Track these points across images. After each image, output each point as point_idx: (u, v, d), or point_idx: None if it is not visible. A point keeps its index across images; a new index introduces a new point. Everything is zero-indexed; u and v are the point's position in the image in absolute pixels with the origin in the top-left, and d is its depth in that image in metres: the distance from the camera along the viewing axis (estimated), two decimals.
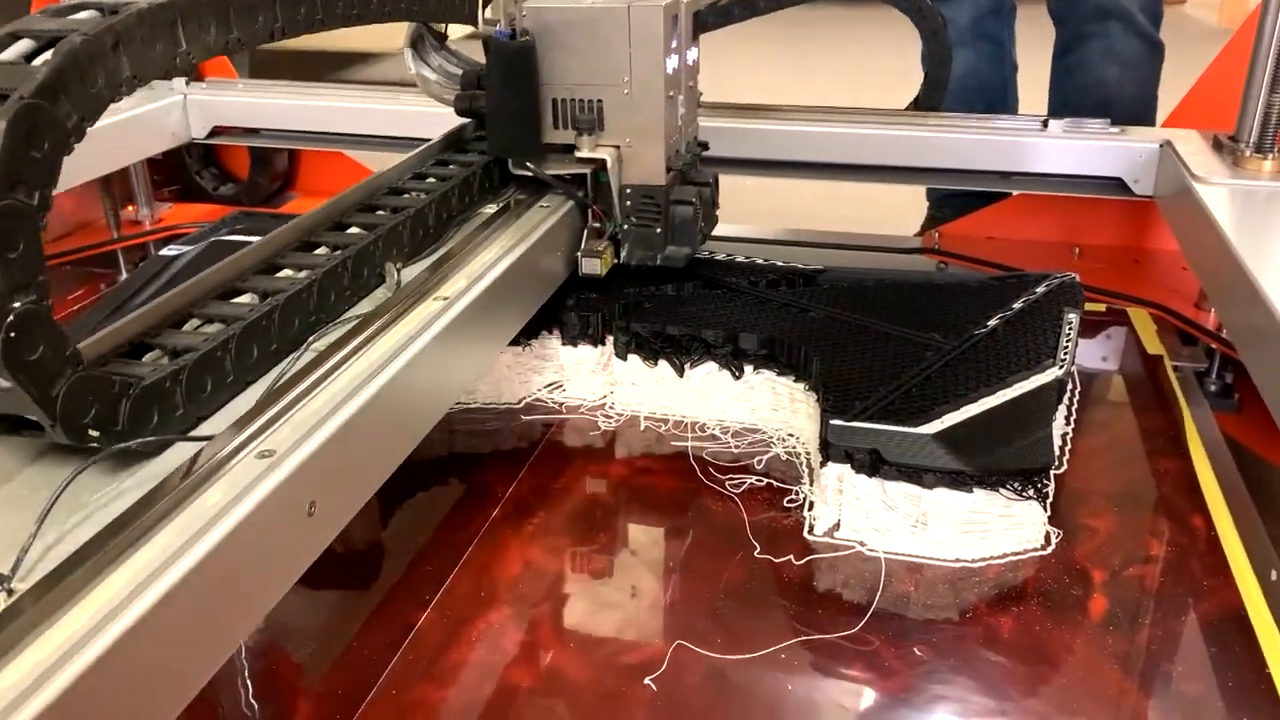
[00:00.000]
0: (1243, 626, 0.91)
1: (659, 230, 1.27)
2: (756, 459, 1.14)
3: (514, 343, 1.24)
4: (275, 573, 0.73)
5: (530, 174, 1.26)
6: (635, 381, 1.22)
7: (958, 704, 0.84)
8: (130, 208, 1.87)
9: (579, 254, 1.25)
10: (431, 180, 1.22)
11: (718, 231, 1.78)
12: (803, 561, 0.99)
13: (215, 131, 1.85)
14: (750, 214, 2.43)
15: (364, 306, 0.99)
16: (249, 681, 0.87)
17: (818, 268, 1.34)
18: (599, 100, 1.23)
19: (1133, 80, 1.85)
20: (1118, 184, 1.55)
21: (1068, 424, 1.18)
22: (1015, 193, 1.67)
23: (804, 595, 0.95)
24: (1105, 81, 1.85)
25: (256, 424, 0.77)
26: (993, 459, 0.97)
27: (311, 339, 0.92)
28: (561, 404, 1.26)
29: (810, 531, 1.02)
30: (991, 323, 1.17)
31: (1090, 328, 1.43)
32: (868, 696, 0.85)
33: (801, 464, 1.13)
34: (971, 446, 0.97)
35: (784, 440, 1.17)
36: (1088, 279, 1.32)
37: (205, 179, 1.98)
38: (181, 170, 1.97)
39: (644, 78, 1.21)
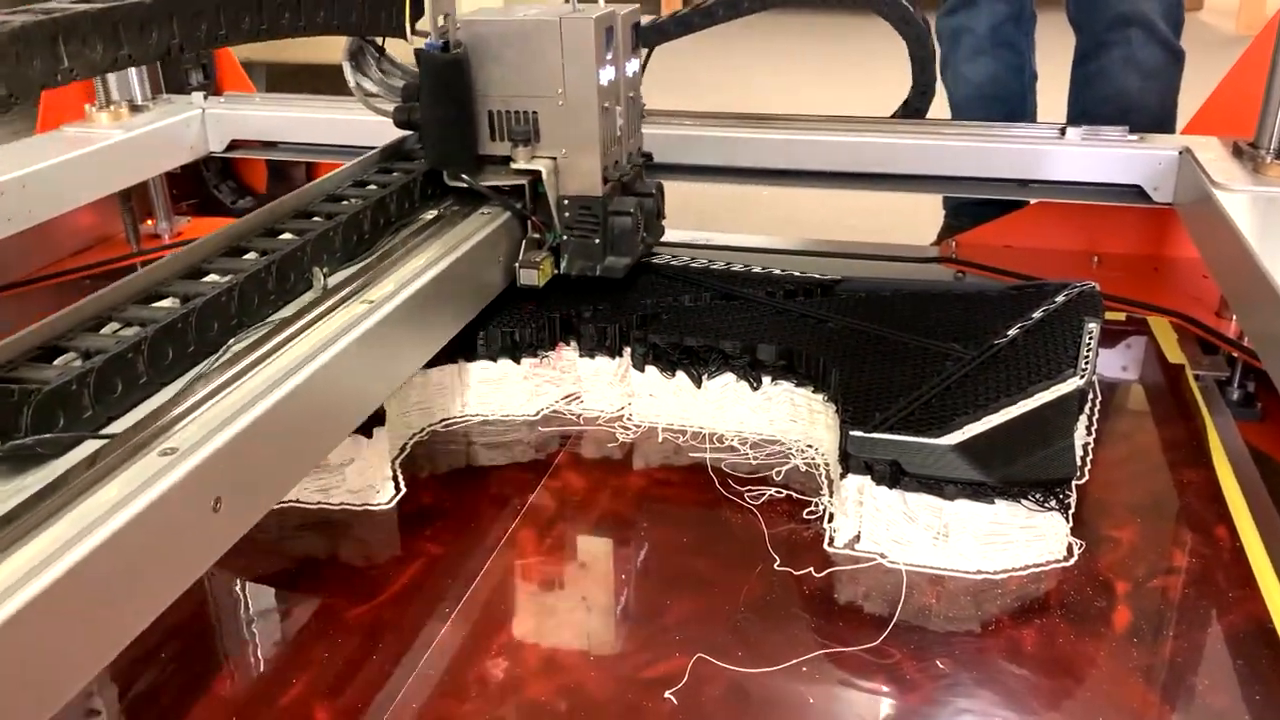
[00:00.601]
0: (1269, 639, 0.90)
1: (598, 241, 1.28)
2: (775, 470, 1.13)
3: (531, 355, 1.24)
4: (177, 566, 0.75)
5: (465, 185, 1.27)
6: (653, 393, 1.22)
7: (981, 717, 0.83)
8: (149, 221, 1.89)
9: (517, 265, 1.27)
10: (372, 188, 1.24)
11: (735, 242, 1.78)
12: (823, 574, 0.98)
13: (233, 145, 1.86)
14: (766, 224, 2.43)
15: (289, 310, 1.01)
16: (266, 696, 0.87)
17: (835, 278, 1.34)
18: (534, 112, 1.25)
19: (1154, 90, 1.83)
20: (1137, 191, 1.54)
21: (1089, 434, 1.17)
22: (1033, 201, 1.67)
23: (825, 608, 0.95)
24: (1126, 91, 1.83)
25: (161, 422, 0.79)
26: (1014, 470, 0.96)
27: (231, 341, 0.93)
28: (579, 416, 1.26)
29: (830, 544, 1.02)
30: (1011, 332, 1.16)
31: (1110, 337, 1.42)
32: (890, 709, 0.85)
33: (821, 475, 1.12)
34: (992, 457, 0.97)
35: (803, 451, 1.16)
36: (1107, 288, 1.31)
37: (224, 192, 1.99)
38: (200, 184, 1.98)
39: (577, 89, 1.23)
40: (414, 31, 1.24)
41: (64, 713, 0.85)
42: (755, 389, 1.18)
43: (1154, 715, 0.83)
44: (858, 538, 1.01)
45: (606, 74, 1.24)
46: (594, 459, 1.18)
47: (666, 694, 0.85)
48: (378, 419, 1.09)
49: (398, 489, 1.12)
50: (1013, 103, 1.98)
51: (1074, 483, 1.02)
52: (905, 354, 1.14)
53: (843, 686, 0.87)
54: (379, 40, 1.32)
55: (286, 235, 1.10)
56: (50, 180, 1.55)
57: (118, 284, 0.93)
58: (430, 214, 1.26)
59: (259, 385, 0.85)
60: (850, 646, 0.90)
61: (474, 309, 1.21)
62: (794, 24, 4.68)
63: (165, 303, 0.94)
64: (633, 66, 1.34)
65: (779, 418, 1.19)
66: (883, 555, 1.00)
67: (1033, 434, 1.00)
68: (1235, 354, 1.35)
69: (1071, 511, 0.99)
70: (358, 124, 1.83)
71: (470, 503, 1.12)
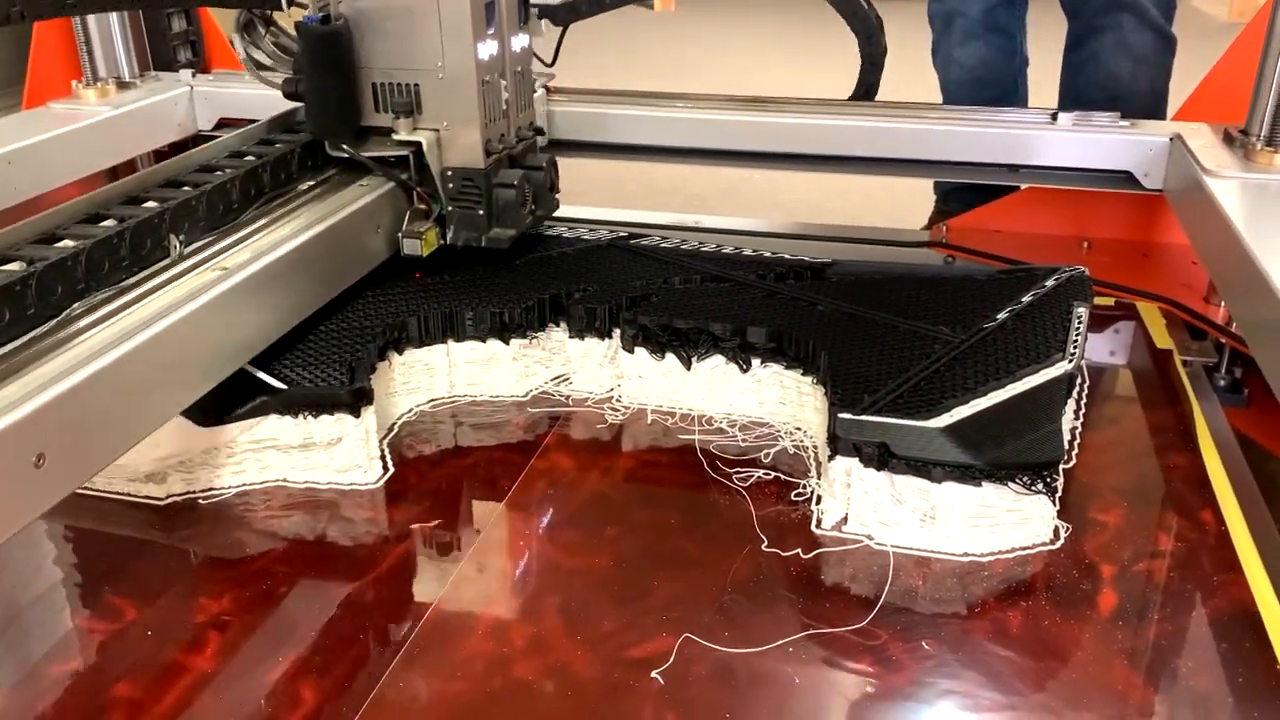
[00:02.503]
0: (1253, 622, 0.90)
1: (481, 212, 1.30)
2: (764, 452, 1.13)
3: (521, 335, 1.24)
4: None
5: (347, 155, 1.30)
6: (642, 374, 1.22)
7: (966, 698, 0.84)
8: None
9: (400, 234, 1.29)
10: (250, 159, 1.25)
11: (725, 224, 1.78)
12: (810, 555, 0.98)
13: (222, 123, 1.85)
14: (756, 207, 2.42)
15: (141, 277, 1.03)
16: (253, 674, 0.87)
17: (826, 261, 1.34)
18: (415, 84, 1.27)
19: (1145, 75, 1.84)
20: (1127, 177, 1.54)
21: (1077, 418, 1.17)
22: (1024, 186, 1.67)
23: (811, 589, 0.95)
24: (1117, 76, 1.83)
25: None
26: (1002, 453, 0.96)
27: (76, 306, 0.95)
28: (569, 397, 1.25)
29: (818, 525, 1.02)
30: (1000, 316, 1.16)
31: (1099, 322, 1.42)
32: (875, 690, 0.85)
33: (809, 458, 1.12)
34: (980, 440, 0.97)
35: (792, 434, 1.16)
36: (1096, 273, 1.31)
37: None
38: None
39: (456, 63, 1.25)
40: (293, 3, 1.27)
41: (47, 688, 0.85)
42: (745, 371, 1.18)
43: (1138, 697, 0.83)
44: (845, 519, 1.02)
45: (487, 49, 1.27)
46: (583, 440, 1.18)
47: (653, 674, 0.85)
48: (365, 398, 1.09)
49: (385, 468, 1.12)
50: (1003, 87, 1.98)
51: (1061, 467, 1.02)
52: (894, 337, 1.14)
53: (829, 667, 0.87)
54: (270, 12, 1.33)
55: (151, 204, 1.12)
56: (36, 157, 1.54)
57: None
58: (308, 185, 1.29)
59: (91, 348, 0.88)
60: (837, 627, 0.90)
61: (348, 277, 1.24)
62: (789, 12, 4.67)
63: (12, 266, 0.95)
64: (521, 42, 1.37)
65: (768, 400, 1.19)
66: (870, 537, 1.00)
67: (1021, 418, 1.00)
68: (1223, 340, 1.35)
69: (1058, 495, 0.99)
70: None
71: (458, 483, 1.11)
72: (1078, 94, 1.88)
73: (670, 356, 1.20)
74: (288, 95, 1.30)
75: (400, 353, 1.21)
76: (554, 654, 0.88)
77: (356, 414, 1.08)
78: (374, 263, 1.27)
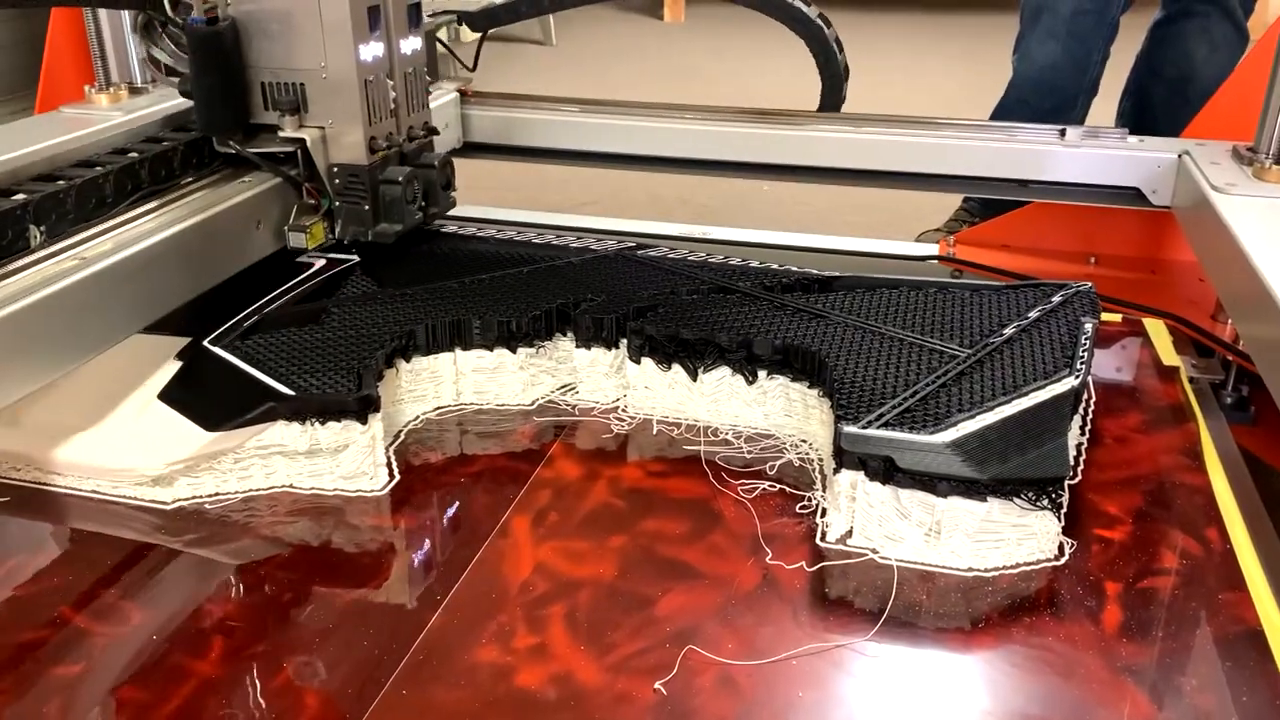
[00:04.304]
0: (1257, 641, 0.90)
1: (367, 208, 1.36)
2: (769, 464, 1.13)
3: (528, 344, 1.24)
4: None
5: (234, 152, 1.35)
6: (648, 385, 1.22)
7: (969, 714, 0.84)
8: None
9: (286, 228, 1.36)
10: (133, 155, 1.29)
11: (733, 236, 1.78)
12: (814, 568, 0.98)
13: None
14: (764, 219, 2.43)
15: None
16: (256, 680, 0.87)
17: (832, 273, 1.34)
18: (300, 84, 1.34)
19: (1217, 62, 1.92)
20: (1135, 194, 1.54)
21: (1083, 434, 1.17)
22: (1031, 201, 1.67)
23: (815, 602, 0.95)
24: (1192, 56, 1.93)
25: None
26: (1007, 468, 0.97)
27: None
28: (574, 406, 1.26)
29: (822, 538, 1.02)
30: (1007, 331, 1.16)
31: (1105, 338, 1.42)
32: (879, 705, 0.85)
33: (814, 470, 1.12)
34: (986, 455, 0.97)
35: (797, 446, 1.16)
36: (1103, 289, 1.31)
37: None
38: None
39: (339, 64, 1.32)
40: (175, 5, 1.34)
41: (52, 692, 0.85)
42: (751, 383, 1.18)
43: (1142, 715, 0.83)
44: (850, 533, 1.02)
45: (370, 50, 1.33)
46: (588, 450, 1.18)
47: (656, 685, 0.85)
48: (372, 405, 1.09)
49: (391, 476, 1.12)
50: (1064, 98, 1.98)
51: (1066, 483, 1.02)
52: (901, 351, 1.14)
53: (832, 681, 0.87)
54: (169, 13, 1.38)
55: (21, 196, 1.14)
56: None
57: None
58: (191, 181, 1.34)
59: None
60: (840, 641, 0.90)
61: (221, 272, 1.28)
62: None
63: None
64: (412, 44, 1.43)
65: (774, 412, 1.19)
66: (874, 551, 1.00)
67: (1027, 433, 1.00)
68: (1230, 358, 1.35)
69: (1063, 511, 0.99)
70: None
71: (463, 491, 1.12)
72: (1152, 68, 1.99)
73: (676, 367, 1.20)
74: (182, 94, 1.37)
75: (408, 360, 1.21)
76: (557, 663, 0.88)
77: (363, 421, 1.08)
78: (255, 257, 1.34)
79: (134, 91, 1.78)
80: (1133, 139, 1.55)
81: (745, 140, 1.68)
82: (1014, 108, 2.01)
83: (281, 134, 1.34)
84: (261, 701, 0.85)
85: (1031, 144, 1.57)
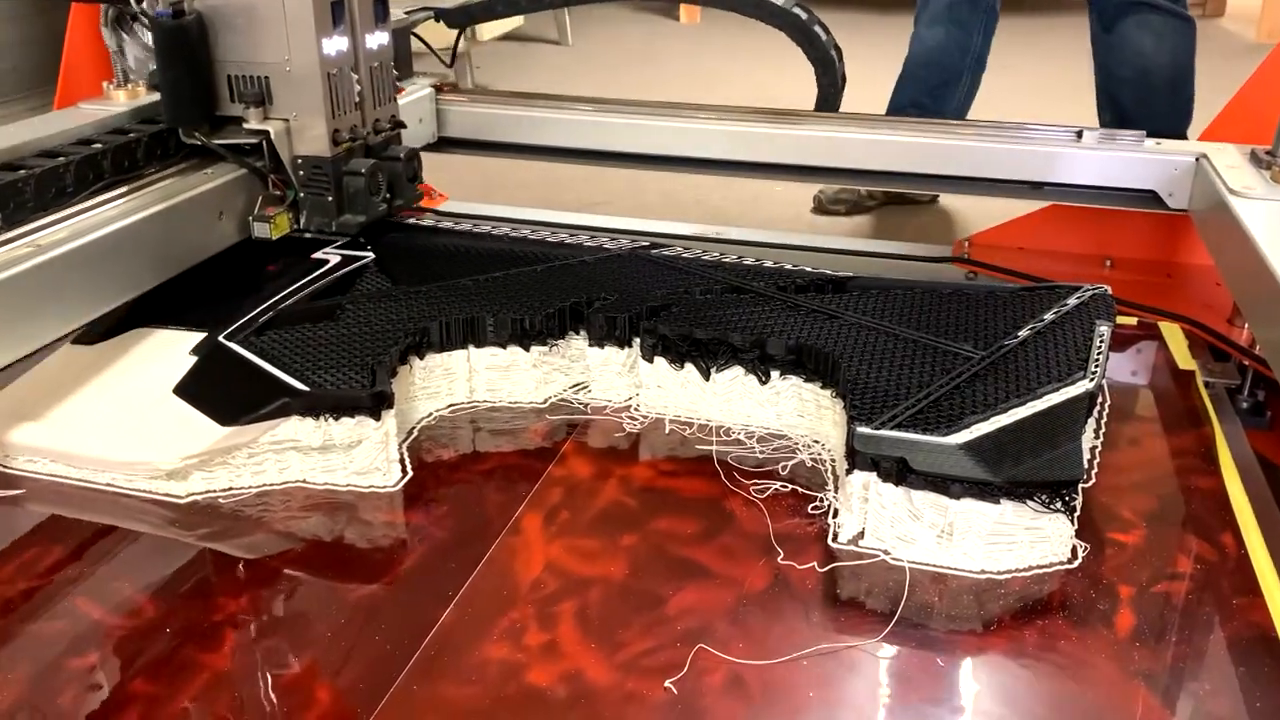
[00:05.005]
0: (1271, 646, 0.89)
1: (330, 199, 1.40)
2: (781, 465, 1.13)
3: (541, 342, 1.24)
4: None
5: (200, 143, 1.38)
6: (661, 384, 1.22)
7: (980, 716, 0.84)
8: None
9: (251, 218, 1.39)
10: (98, 146, 1.31)
11: (746, 236, 1.78)
12: (826, 569, 0.98)
13: None
14: (778, 219, 2.42)
15: None
16: (268, 674, 0.87)
17: (847, 274, 1.34)
18: (265, 77, 1.37)
19: (1167, 48, 2.02)
20: (1151, 197, 1.53)
21: (1097, 437, 1.17)
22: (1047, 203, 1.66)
23: (827, 603, 0.95)
24: (1142, 50, 2.03)
25: None
26: (1021, 471, 0.96)
27: None
28: (587, 405, 1.26)
29: (834, 539, 1.02)
30: (1022, 333, 1.16)
31: (1121, 341, 1.41)
32: (889, 706, 0.85)
33: (826, 471, 1.12)
34: (1000, 457, 0.97)
35: (809, 446, 1.16)
36: (1119, 292, 1.30)
37: None
38: None
39: (302, 57, 1.35)
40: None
41: (65, 683, 0.86)
42: (763, 383, 1.18)
43: (1154, 719, 0.83)
44: (862, 534, 1.01)
45: (334, 44, 1.36)
46: (600, 448, 1.18)
47: (666, 683, 0.85)
48: (386, 401, 1.09)
49: (404, 472, 1.12)
50: (949, 74, 2.26)
51: (1080, 486, 1.02)
52: (915, 352, 1.14)
53: (843, 681, 0.87)
54: (137, 5, 1.41)
55: None
56: None
57: None
58: (155, 171, 1.36)
59: None
60: (852, 642, 0.90)
61: (182, 262, 1.31)
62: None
63: None
64: (378, 39, 1.46)
65: (786, 412, 1.19)
66: (886, 552, 1.00)
67: (1041, 435, 0.99)
68: (1246, 362, 1.35)
69: (1077, 514, 0.99)
70: None
71: (476, 488, 1.12)
72: (1110, 72, 2.10)
73: (689, 367, 1.20)
74: (151, 88, 1.41)
75: (421, 357, 1.22)
76: (568, 661, 0.88)
77: (377, 417, 1.08)
78: (217, 247, 1.36)
79: (152, 88, 1.80)
80: (1149, 142, 1.54)
81: (758, 140, 1.68)
82: (908, 81, 2.30)
83: (246, 126, 1.37)
84: (273, 696, 0.85)
85: (1046, 145, 1.56)
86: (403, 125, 1.55)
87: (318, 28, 1.33)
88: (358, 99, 1.43)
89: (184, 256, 1.32)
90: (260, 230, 1.38)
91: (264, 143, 1.39)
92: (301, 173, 1.40)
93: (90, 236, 1.17)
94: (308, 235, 1.42)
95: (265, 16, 1.34)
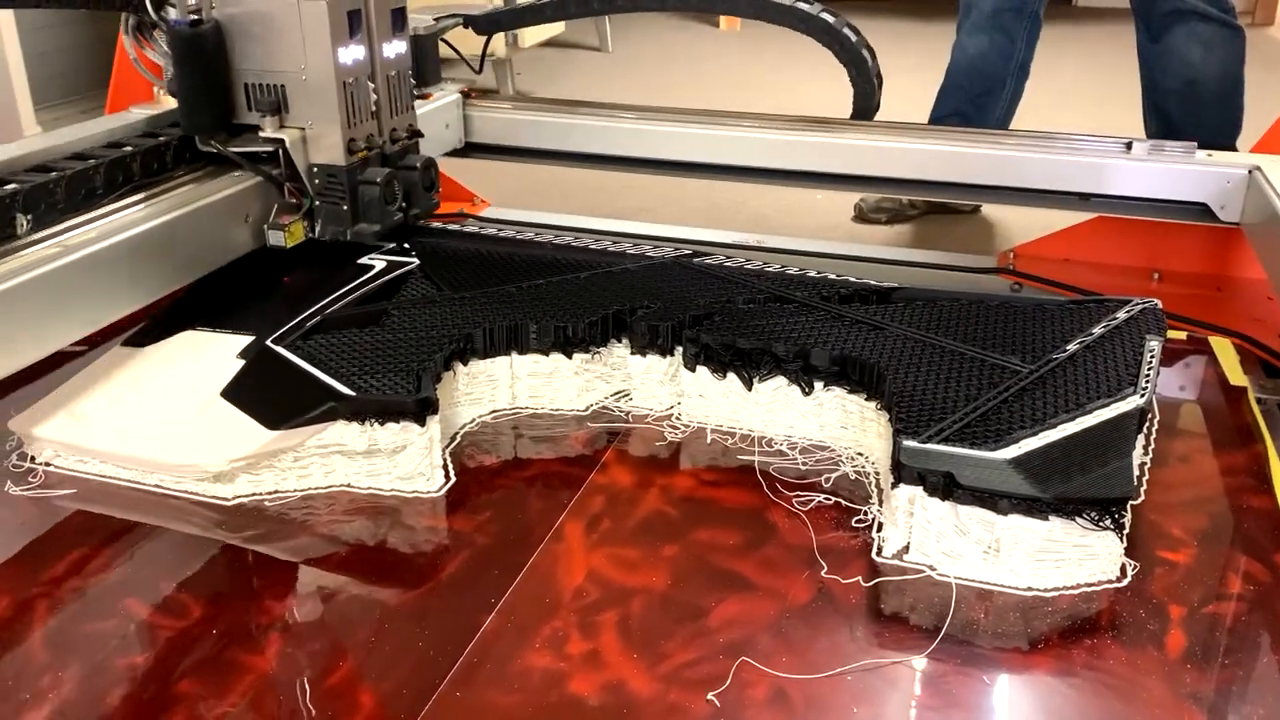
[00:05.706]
0: None
1: (345, 208, 1.40)
2: (824, 477, 1.13)
3: (583, 350, 1.24)
4: None
5: (216, 150, 1.39)
6: (703, 393, 1.22)
7: None
8: None
9: (266, 226, 1.39)
10: (128, 149, 1.33)
11: (789, 245, 1.77)
12: (870, 583, 0.97)
13: None
14: (820, 227, 2.41)
15: None
16: (312, 677, 0.88)
17: (892, 285, 1.33)
18: (281, 85, 1.38)
19: (1216, 59, 1.98)
20: (1202, 209, 1.51)
21: (1146, 454, 1.15)
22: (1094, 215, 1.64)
23: (871, 617, 0.94)
24: (1190, 61, 1.99)
25: None
26: (1070, 487, 0.95)
27: None
28: (628, 413, 1.26)
29: (879, 553, 1.01)
30: (1071, 347, 1.14)
31: (1170, 356, 1.39)
32: None
33: (871, 484, 1.11)
34: (1048, 474, 0.95)
35: (853, 459, 1.15)
36: (1168, 305, 1.28)
37: None
38: None
39: (318, 67, 1.35)
40: (158, 7, 1.38)
41: (114, 682, 0.87)
42: (807, 394, 1.18)
43: None
44: (907, 548, 1.00)
45: (350, 54, 1.37)
46: (641, 457, 1.18)
47: (709, 696, 0.85)
48: (430, 407, 1.10)
49: (447, 477, 1.13)
50: (993, 83, 2.23)
51: (1130, 503, 1.00)
52: (961, 365, 1.13)
53: (887, 697, 0.86)
54: (156, 13, 1.41)
55: (11, 186, 1.18)
56: None
57: None
58: (179, 176, 1.38)
59: None
60: (896, 658, 0.89)
61: (204, 265, 1.33)
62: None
63: None
64: (395, 48, 1.47)
65: (830, 424, 1.18)
66: (932, 567, 0.99)
67: (1090, 452, 0.98)
68: None
69: (1126, 532, 0.97)
70: None
71: (518, 495, 1.12)
72: (1157, 84, 2.07)
73: (731, 376, 1.20)
74: (169, 93, 1.42)
75: (465, 363, 1.22)
76: (610, 671, 0.88)
77: (422, 423, 1.09)
78: (238, 252, 1.38)
79: (171, 94, 1.82)
80: (1201, 154, 1.52)
81: (800, 148, 1.67)
82: (951, 90, 2.26)
83: (262, 134, 1.38)
84: (317, 698, 0.86)
85: (1096, 157, 1.55)
86: (420, 134, 1.55)
87: (334, 37, 1.34)
88: (374, 108, 1.44)
89: (204, 260, 1.34)
90: (275, 238, 1.40)
91: (279, 151, 1.40)
92: (317, 181, 1.41)
93: (116, 238, 1.20)
94: (372, 239, 1.43)
95: (282, 26, 1.35)
